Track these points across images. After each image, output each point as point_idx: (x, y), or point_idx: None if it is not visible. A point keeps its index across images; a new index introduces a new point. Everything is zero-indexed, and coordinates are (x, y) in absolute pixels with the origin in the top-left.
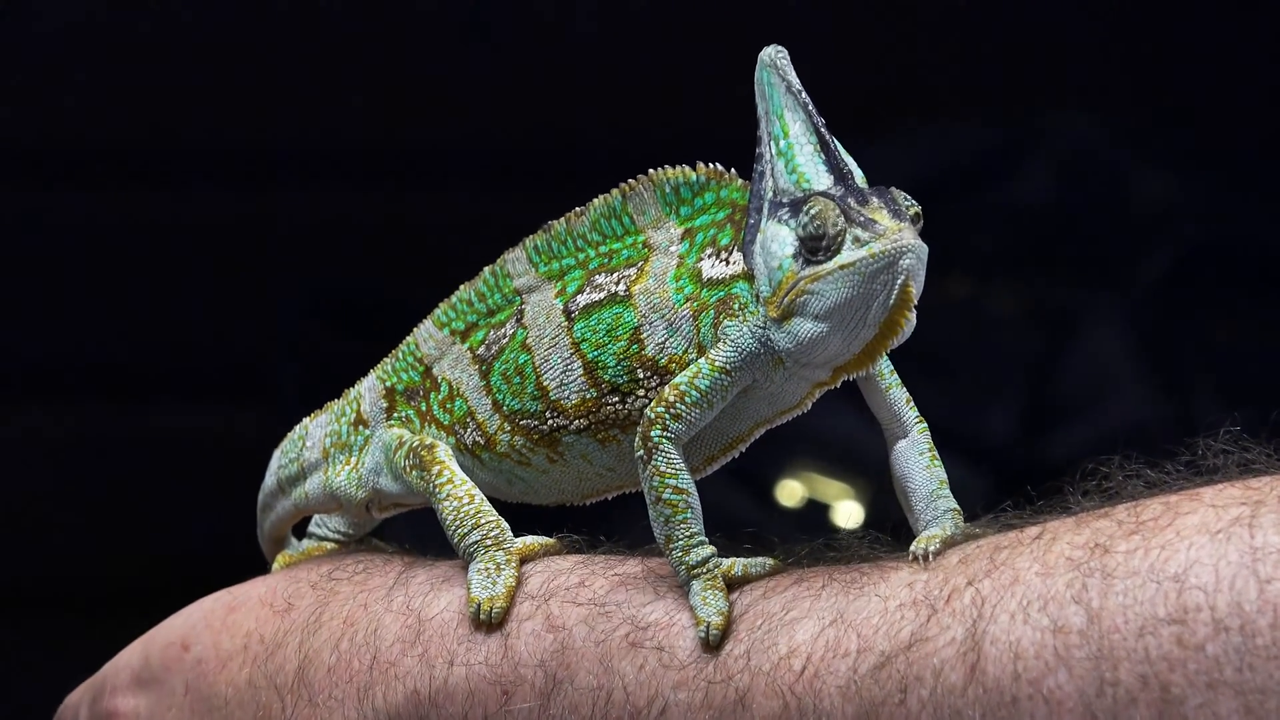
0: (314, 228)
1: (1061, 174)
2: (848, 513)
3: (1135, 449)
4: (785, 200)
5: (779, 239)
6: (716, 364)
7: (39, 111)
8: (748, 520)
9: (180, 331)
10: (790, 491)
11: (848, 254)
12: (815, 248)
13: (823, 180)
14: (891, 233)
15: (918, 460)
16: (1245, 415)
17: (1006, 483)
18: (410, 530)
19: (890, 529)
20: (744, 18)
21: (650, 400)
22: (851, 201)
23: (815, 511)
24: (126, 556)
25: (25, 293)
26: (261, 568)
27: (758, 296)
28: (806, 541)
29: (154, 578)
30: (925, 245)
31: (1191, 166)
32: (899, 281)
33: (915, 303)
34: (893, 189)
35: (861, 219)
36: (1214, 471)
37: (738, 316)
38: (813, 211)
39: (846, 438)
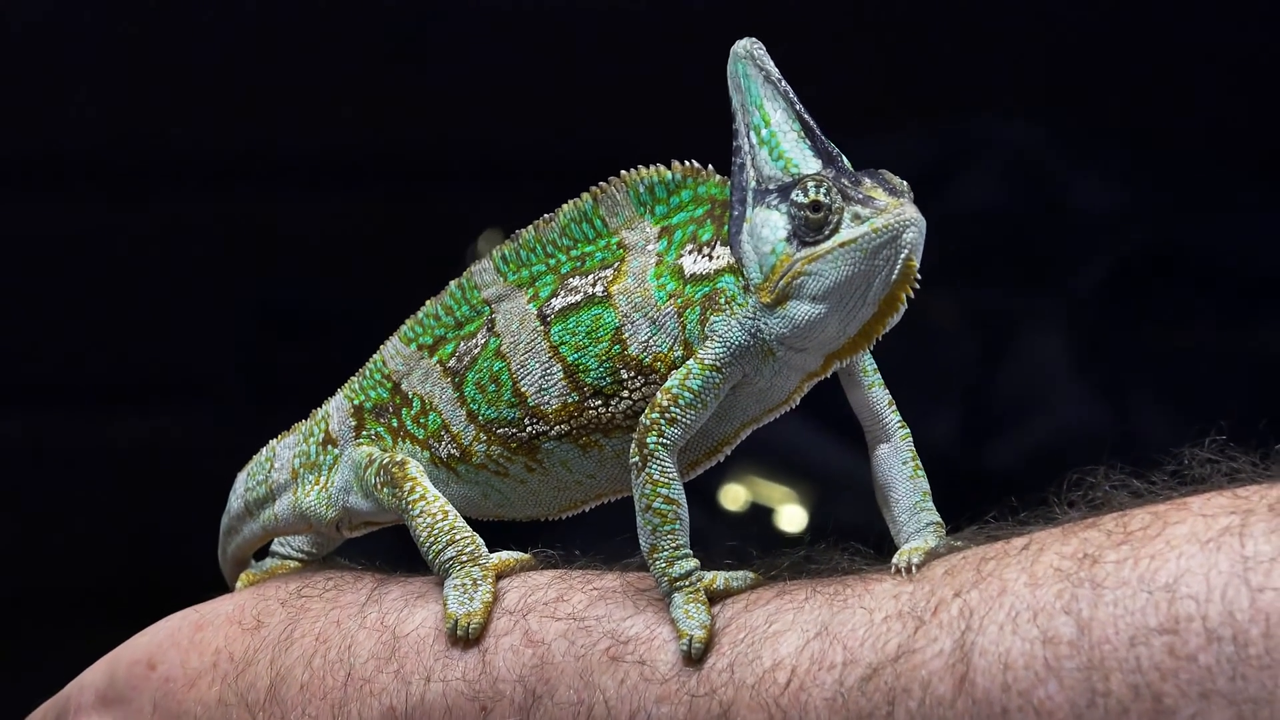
0: (266, 235)
1: (1000, 179)
2: (791, 517)
3: (1075, 455)
4: (772, 187)
5: (770, 224)
6: (706, 362)
7: None
8: (691, 524)
9: (131, 339)
10: (734, 496)
11: (848, 231)
12: (811, 228)
13: (810, 164)
14: (893, 207)
15: (901, 470)
16: (1185, 422)
17: (947, 489)
18: (379, 547)
19: (835, 534)
20: (681, 26)
21: (634, 402)
22: (845, 181)
23: (759, 515)
24: (79, 565)
25: None
26: (219, 587)
27: (746, 287)
28: (787, 554)
29: (108, 586)
30: (924, 219)
31: (1130, 172)
32: (902, 256)
33: (917, 278)
34: (882, 170)
35: (859, 196)
36: (1200, 481)
37: (725, 310)
38: (808, 191)
39: (790, 442)
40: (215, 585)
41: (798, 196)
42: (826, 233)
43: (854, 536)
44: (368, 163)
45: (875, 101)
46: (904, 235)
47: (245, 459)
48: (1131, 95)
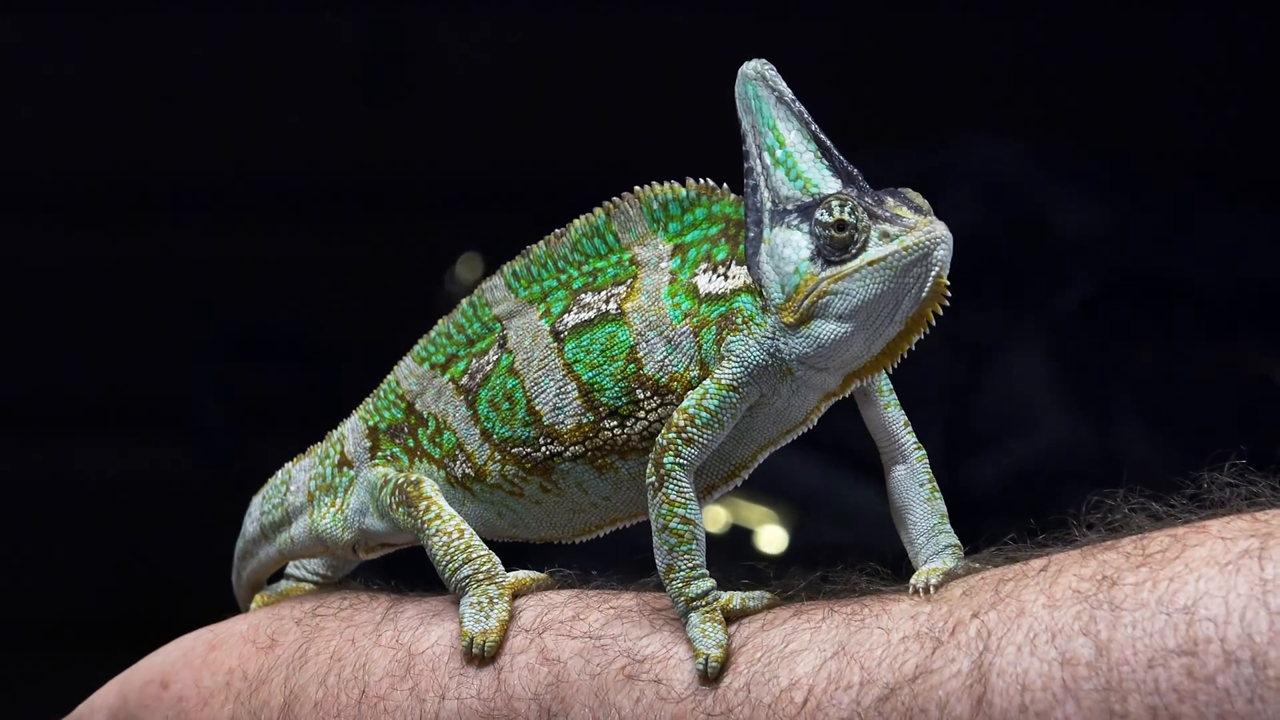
0: (233, 265)
1: (980, 199)
2: (771, 538)
3: (1056, 476)
4: (791, 207)
5: (791, 244)
6: (723, 382)
7: None
8: None
9: (98, 370)
10: (714, 517)
11: (875, 250)
12: (837, 247)
13: (830, 184)
14: (922, 225)
15: (918, 492)
16: (1167, 442)
17: None
18: (395, 570)
19: (828, 557)
20: (660, 54)
21: (650, 423)
22: (869, 200)
23: (739, 537)
24: (45, 595)
25: None
26: (221, 612)
27: (765, 307)
28: (804, 574)
29: (74, 616)
30: (953, 236)
31: (1110, 192)
32: (933, 274)
33: (947, 295)
34: (904, 189)
35: (886, 215)
36: (1219, 505)
37: (742, 330)
38: (833, 210)
39: (769, 462)
40: (215, 611)
41: (822, 216)
42: (853, 251)
43: (836, 557)
44: (346, 190)
45: (855, 123)
46: (935, 252)
47: (232, 486)
48: (1112, 116)
